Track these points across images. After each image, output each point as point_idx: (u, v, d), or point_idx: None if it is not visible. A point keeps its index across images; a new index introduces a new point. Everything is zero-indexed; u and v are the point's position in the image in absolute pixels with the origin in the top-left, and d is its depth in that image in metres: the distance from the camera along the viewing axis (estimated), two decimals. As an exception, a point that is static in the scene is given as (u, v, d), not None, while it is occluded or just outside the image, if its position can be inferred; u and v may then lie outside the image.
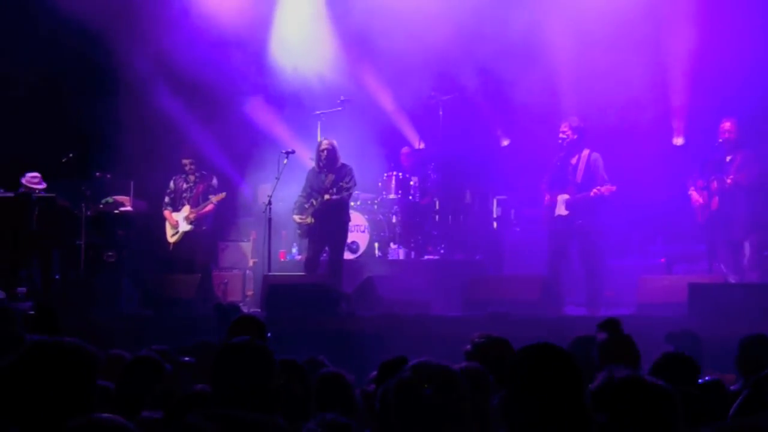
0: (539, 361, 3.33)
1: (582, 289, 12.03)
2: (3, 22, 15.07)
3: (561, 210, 11.82)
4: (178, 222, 13.52)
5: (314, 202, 12.77)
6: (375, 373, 4.38)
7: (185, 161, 13.61)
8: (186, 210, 13.49)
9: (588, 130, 12.10)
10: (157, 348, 5.87)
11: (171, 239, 13.59)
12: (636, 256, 14.15)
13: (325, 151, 12.80)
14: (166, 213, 13.65)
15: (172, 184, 13.70)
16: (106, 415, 3.28)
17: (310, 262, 12.76)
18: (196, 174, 13.58)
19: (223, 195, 13.48)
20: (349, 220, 13.07)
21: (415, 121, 16.14)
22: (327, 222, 12.71)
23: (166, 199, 13.68)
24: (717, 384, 5.32)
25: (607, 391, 3.41)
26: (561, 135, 11.97)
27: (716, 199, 11.72)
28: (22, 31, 15.30)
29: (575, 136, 11.91)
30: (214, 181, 13.64)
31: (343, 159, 12.96)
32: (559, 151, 12.04)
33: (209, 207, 13.50)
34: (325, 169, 12.82)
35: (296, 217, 13.00)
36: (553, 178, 12.02)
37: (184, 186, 13.59)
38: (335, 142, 12.94)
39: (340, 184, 12.74)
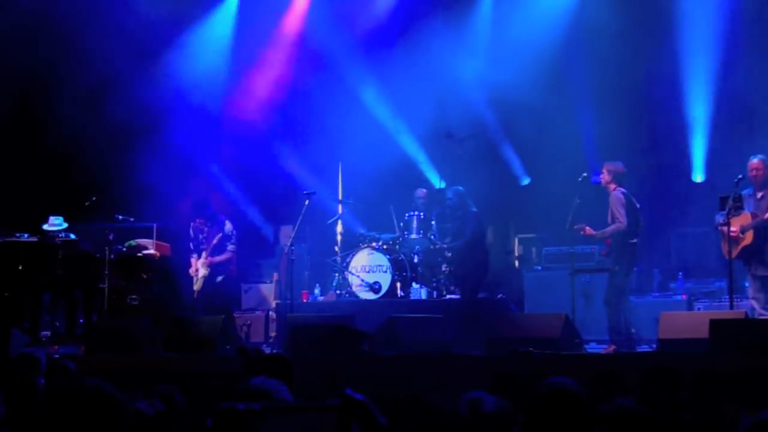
0: (553, 401, 3.40)
1: (604, 327, 12.04)
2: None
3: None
4: (198, 269, 13.61)
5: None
6: None
7: (198, 220, 13.70)
8: (204, 258, 13.58)
9: (621, 173, 12.12)
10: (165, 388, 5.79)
11: (195, 286, 13.69)
12: (657, 293, 14.13)
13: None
14: (192, 260, 13.74)
15: (191, 231, 13.80)
16: None
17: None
18: (208, 224, 13.64)
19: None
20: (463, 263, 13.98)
21: (435, 160, 16.22)
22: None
23: (191, 246, 13.77)
24: None
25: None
26: (602, 178, 12.09)
27: (750, 233, 11.69)
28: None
29: (608, 178, 12.03)
30: (228, 226, 13.65)
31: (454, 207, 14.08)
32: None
33: (226, 255, 13.56)
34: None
35: None
36: None
37: (201, 236, 13.67)
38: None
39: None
